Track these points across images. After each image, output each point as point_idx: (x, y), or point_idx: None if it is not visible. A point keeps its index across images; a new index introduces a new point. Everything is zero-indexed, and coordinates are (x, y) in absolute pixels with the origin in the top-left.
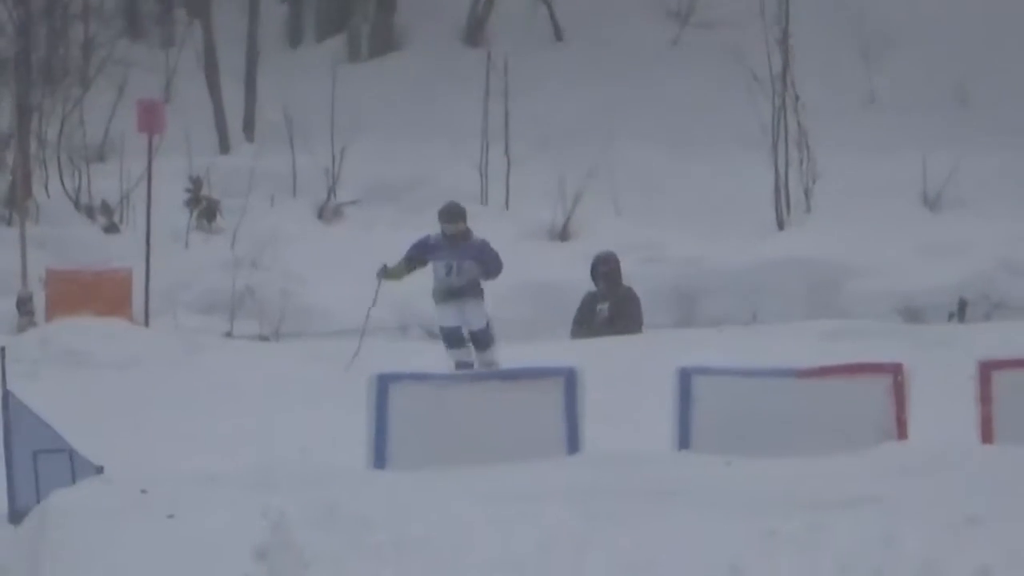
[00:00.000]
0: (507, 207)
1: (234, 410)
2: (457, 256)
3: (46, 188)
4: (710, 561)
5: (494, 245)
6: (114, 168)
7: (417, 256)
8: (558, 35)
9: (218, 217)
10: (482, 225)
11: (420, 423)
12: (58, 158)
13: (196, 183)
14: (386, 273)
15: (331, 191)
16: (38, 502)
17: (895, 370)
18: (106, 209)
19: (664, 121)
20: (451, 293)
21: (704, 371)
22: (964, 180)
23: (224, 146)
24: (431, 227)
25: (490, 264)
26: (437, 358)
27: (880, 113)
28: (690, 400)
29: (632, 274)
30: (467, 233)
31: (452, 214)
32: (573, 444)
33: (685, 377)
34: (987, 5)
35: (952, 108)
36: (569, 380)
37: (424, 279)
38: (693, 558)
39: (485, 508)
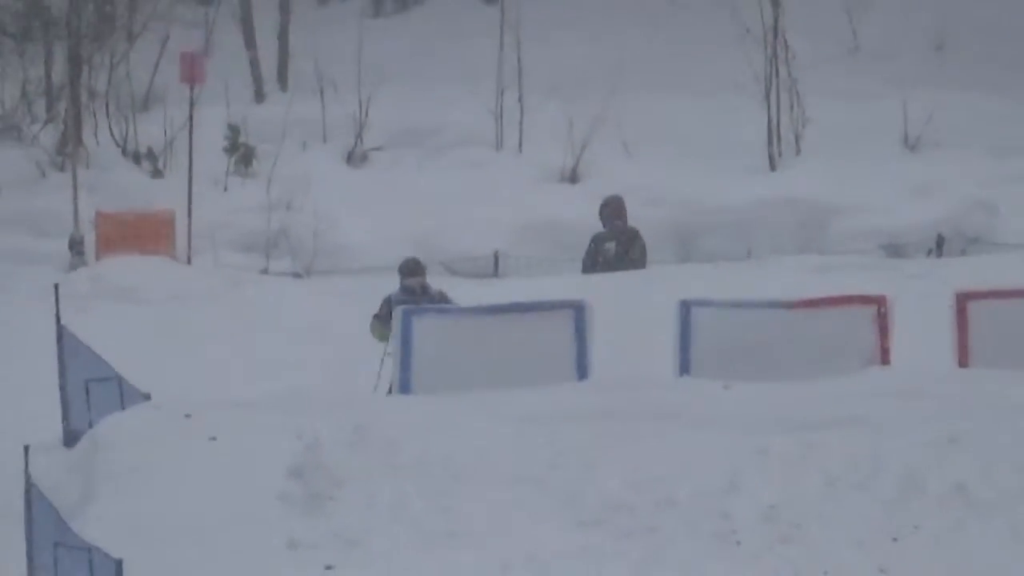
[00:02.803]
0: (520, 151)
1: (271, 341)
2: None
3: (96, 136)
4: (709, 476)
5: (509, 187)
6: (158, 117)
7: (388, 318)
8: None
9: (254, 162)
10: (496, 168)
11: (441, 353)
12: (107, 108)
13: (234, 130)
14: (375, 332)
15: (358, 137)
16: (90, 427)
17: (879, 301)
18: (151, 155)
19: (666, 71)
20: None
21: (703, 303)
22: (941, 123)
23: (259, 96)
24: (449, 169)
25: None
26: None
27: (863, 61)
28: (690, 330)
29: (636, 214)
30: (426, 287)
31: (412, 268)
32: (582, 371)
33: (685, 309)
34: None
35: (929, 56)
36: (579, 312)
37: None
38: (693, 473)
39: (502, 429)
